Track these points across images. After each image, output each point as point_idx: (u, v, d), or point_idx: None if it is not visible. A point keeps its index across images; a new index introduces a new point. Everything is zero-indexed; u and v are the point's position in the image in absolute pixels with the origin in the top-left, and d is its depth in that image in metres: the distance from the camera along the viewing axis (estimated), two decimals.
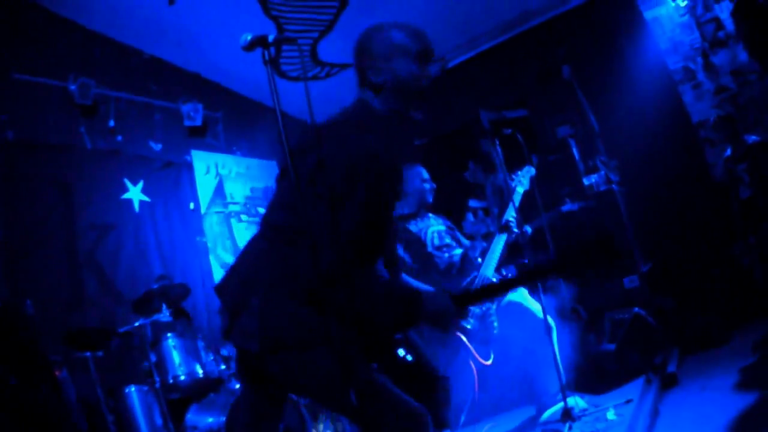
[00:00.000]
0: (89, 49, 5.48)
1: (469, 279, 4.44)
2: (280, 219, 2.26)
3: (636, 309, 4.97)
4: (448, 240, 4.57)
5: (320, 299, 1.98)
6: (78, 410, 3.96)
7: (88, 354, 4.14)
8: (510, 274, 4.56)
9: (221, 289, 2.37)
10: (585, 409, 4.15)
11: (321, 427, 4.68)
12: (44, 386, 3.72)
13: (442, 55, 7.51)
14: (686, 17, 6.49)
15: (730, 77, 6.28)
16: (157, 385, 4.21)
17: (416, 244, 4.43)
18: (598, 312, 5.22)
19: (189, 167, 6.31)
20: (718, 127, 5.81)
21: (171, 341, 4.52)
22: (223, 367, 4.67)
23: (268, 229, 2.32)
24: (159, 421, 4.17)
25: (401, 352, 2.97)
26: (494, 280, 4.42)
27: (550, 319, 4.38)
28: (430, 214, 4.69)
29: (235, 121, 7.05)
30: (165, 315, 4.52)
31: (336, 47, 6.74)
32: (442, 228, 4.66)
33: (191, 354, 4.54)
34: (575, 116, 6.52)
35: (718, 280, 5.88)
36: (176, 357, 4.46)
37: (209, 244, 6.28)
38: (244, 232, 6.71)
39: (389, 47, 2.34)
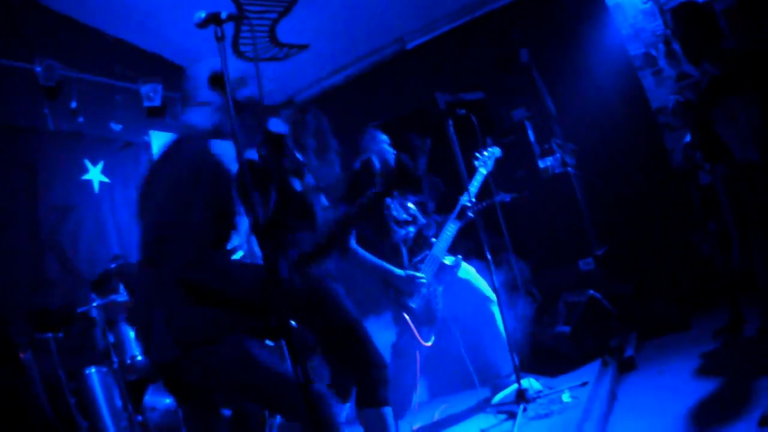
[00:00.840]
0: (54, 31, 5.49)
1: (419, 257, 4.39)
2: (150, 238, 2.54)
3: (591, 291, 4.91)
4: (405, 216, 4.49)
5: (194, 290, 2.34)
6: (41, 391, 3.91)
7: (50, 335, 4.09)
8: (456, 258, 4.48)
9: (130, 318, 2.86)
10: (539, 391, 4.11)
11: None
12: (8, 368, 3.73)
13: (400, 36, 7.38)
14: (649, 4, 6.42)
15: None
16: (116, 365, 4.15)
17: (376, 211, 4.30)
18: (553, 294, 5.16)
19: (148, 147, 6.27)
20: (677, 113, 5.71)
21: None
22: None
23: (145, 254, 2.57)
24: (119, 402, 4.13)
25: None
26: (446, 262, 4.40)
27: (492, 295, 4.35)
28: None
29: None
30: (122, 295, 4.42)
31: (294, 28, 6.68)
32: (404, 201, 4.59)
33: None
34: (532, 100, 6.45)
35: (677, 266, 5.86)
36: (133, 337, 4.38)
37: None
38: None
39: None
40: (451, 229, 4.42)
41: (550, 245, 5.59)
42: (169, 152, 2.66)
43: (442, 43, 7.37)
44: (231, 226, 2.56)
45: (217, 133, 2.66)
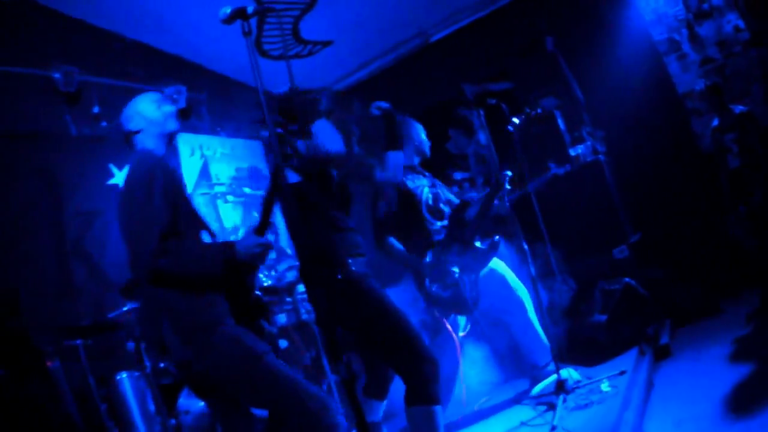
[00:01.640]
0: (70, 36, 5.43)
1: (452, 247, 4.31)
2: (129, 250, 2.74)
3: (627, 279, 4.91)
4: (441, 205, 4.46)
5: (164, 279, 2.55)
6: (70, 400, 3.90)
7: (79, 342, 4.05)
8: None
9: (142, 333, 3.05)
10: (578, 381, 4.11)
11: None
12: (35, 377, 3.73)
13: (424, 29, 7.41)
14: None
15: (716, 48, 6.25)
16: (148, 370, 4.12)
17: (409, 200, 4.29)
18: (588, 282, 5.18)
19: (174, 150, 6.21)
20: (704, 97, 5.73)
21: None
22: None
23: (132, 267, 2.80)
24: (152, 406, 4.09)
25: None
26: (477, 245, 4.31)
27: (521, 287, 4.38)
28: (426, 174, 4.56)
29: (218, 102, 6.96)
30: None
31: (317, 25, 6.66)
32: (437, 191, 4.54)
33: None
34: (560, 88, 6.39)
35: (708, 250, 5.85)
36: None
37: None
38: (230, 213, 6.61)
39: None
40: (479, 219, 4.34)
41: (583, 234, 5.55)
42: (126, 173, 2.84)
43: (466, 34, 7.39)
44: (192, 221, 2.80)
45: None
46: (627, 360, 4.38)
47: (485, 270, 4.32)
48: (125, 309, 4.26)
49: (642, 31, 6.54)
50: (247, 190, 6.87)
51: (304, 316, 5.20)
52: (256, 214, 6.77)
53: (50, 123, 5.09)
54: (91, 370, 4.04)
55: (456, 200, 4.54)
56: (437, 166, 5.14)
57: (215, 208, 6.50)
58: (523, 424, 3.87)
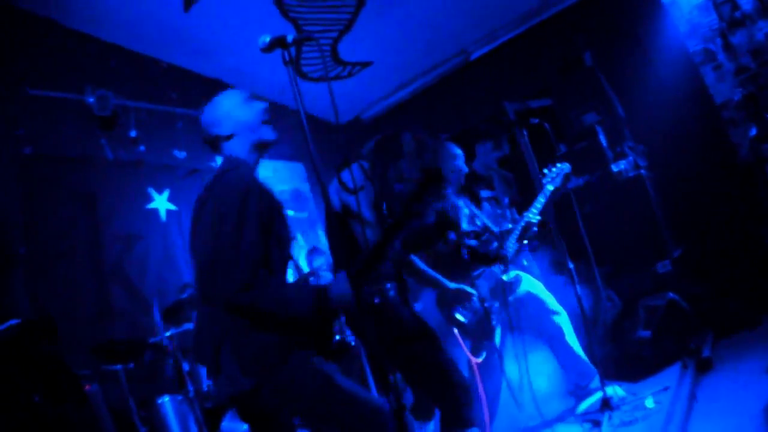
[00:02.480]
0: (105, 60, 5.48)
1: (478, 271, 4.40)
2: (202, 270, 2.49)
3: (670, 294, 4.98)
4: (471, 227, 4.55)
5: (246, 314, 2.36)
6: (109, 424, 3.86)
7: (119, 366, 4.10)
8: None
9: (196, 354, 2.72)
10: (624, 398, 4.18)
11: None
12: (70, 402, 3.61)
13: (463, 48, 7.59)
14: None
15: (749, 57, 6.28)
16: (191, 394, 4.15)
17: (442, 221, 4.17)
18: (632, 298, 5.22)
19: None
20: (741, 106, 5.80)
21: None
22: None
23: (199, 287, 2.57)
24: (194, 430, 4.13)
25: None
26: (504, 278, 4.34)
27: (559, 308, 4.43)
28: (463, 198, 4.64)
29: None
30: None
31: (356, 46, 6.81)
32: (474, 212, 4.64)
33: None
34: (600, 103, 6.38)
35: (748, 261, 5.83)
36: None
37: None
38: None
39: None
40: (512, 244, 4.42)
41: (626, 249, 5.57)
42: (213, 182, 2.65)
43: (505, 51, 7.53)
44: (283, 249, 2.63)
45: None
46: (670, 374, 4.47)
47: (518, 294, 4.41)
48: (167, 334, 4.31)
49: (677, 42, 6.59)
50: (290, 212, 6.90)
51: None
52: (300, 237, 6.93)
53: (87, 147, 5.09)
54: (133, 394, 4.06)
55: (492, 225, 4.62)
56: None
57: None
58: None
